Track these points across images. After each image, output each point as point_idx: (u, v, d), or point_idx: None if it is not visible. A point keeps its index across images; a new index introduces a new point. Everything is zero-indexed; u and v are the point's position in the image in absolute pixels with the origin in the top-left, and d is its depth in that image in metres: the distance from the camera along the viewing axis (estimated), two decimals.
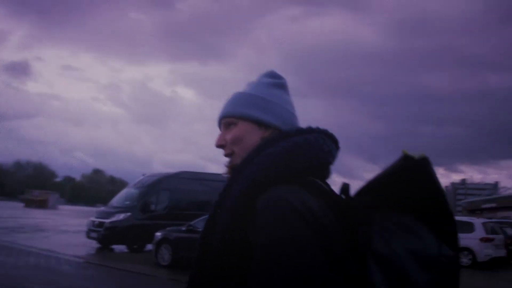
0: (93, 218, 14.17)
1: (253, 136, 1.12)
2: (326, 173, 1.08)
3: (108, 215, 13.85)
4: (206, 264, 1.04)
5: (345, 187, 1.04)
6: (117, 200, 15.21)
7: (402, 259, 0.89)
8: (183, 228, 10.15)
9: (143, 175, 16.47)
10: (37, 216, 32.80)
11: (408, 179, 0.94)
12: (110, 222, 13.39)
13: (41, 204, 50.52)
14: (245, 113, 1.13)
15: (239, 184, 1.02)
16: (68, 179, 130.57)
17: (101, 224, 13.51)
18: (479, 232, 13.62)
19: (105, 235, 13.30)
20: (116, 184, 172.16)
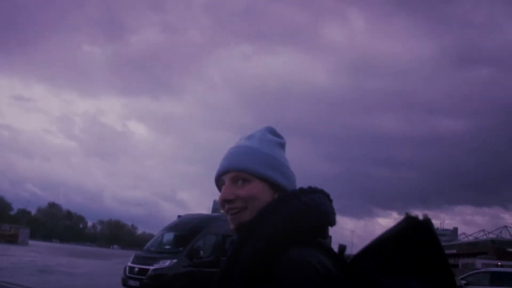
0: (130, 264, 12.63)
1: (266, 196, 1.11)
2: (327, 234, 1.09)
3: (149, 261, 12.34)
4: None
5: (342, 249, 1.06)
6: (154, 244, 13.76)
7: None
8: None
9: (179, 216, 15.25)
10: (16, 253, 30.55)
11: (412, 240, 0.96)
12: (155, 270, 11.93)
13: (11, 239, 47.47)
14: (265, 173, 1.12)
15: (255, 243, 1.00)
16: (23, 212, 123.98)
17: (142, 271, 12.01)
18: None
19: (149, 285, 11.82)
20: (73, 219, 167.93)
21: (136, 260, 12.85)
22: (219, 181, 1.17)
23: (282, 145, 1.21)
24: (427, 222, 0.97)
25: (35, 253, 34.57)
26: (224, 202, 1.12)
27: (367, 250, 1.02)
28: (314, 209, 1.04)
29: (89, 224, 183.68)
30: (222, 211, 1.15)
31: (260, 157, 1.14)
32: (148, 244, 14.13)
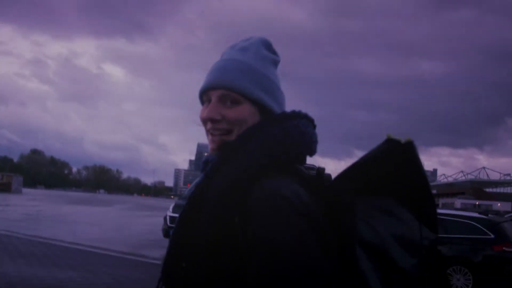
0: (171, 214, 12.10)
1: (254, 120, 1.02)
2: (305, 160, 1.04)
3: None
4: (189, 265, 0.93)
5: (320, 172, 1.02)
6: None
7: (388, 245, 0.91)
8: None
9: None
10: (17, 202, 30.15)
11: (391, 162, 0.94)
12: None
13: (5, 188, 46.79)
14: (256, 95, 1.01)
15: (228, 171, 0.94)
16: (4, 160, 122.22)
17: None
18: None
19: None
20: (57, 166, 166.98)
21: (178, 209, 12.11)
22: (204, 96, 1.05)
23: (276, 63, 1.11)
24: (409, 144, 0.94)
25: (35, 201, 34.22)
26: (207, 120, 1.02)
27: (347, 172, 1.00)
28: (296, 138, 0.99)
29: (74, 170, 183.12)
30: (202, 126, 1.05)
31: (255, 76, 1.03)
32: (186, 192, 13.75)
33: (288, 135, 0.98)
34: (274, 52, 1.11)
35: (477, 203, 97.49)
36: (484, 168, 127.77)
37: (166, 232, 11.91)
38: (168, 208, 12.54)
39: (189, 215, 0.97)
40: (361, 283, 0.88)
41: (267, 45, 1.09)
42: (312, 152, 1.03)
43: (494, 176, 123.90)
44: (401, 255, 0.91)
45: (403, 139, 0.95)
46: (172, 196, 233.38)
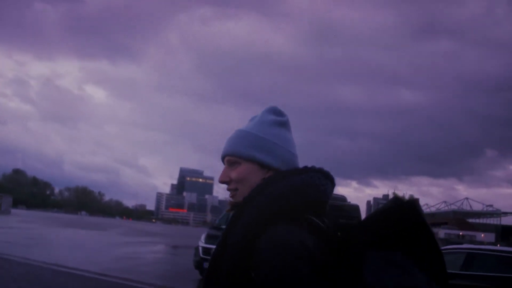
0: (203, 244, 11.35)
1: (256, 177, 1.18)
2: (322, 210, 1.13)
3: None
4: None
5: (341, 226, 1.14)
6: (224, 220, 12.98)
7: None
8: None
9: None
10: (12, 224, 29.38)
11: (398, 218, 1.03)
12: None
13: None
14: (250, 155, 1.19)
15: (240, 224, 1.09)
16: None
17: None
18: None
19: None
20: (39, 186, 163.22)
21: (210, 240, 11.50)
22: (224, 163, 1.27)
23: (282, 123, 1.26)
24: (412, 202, 1.04)
25: (29, 223, 33.47)
26: (222, 183, 1.23)
27: (358, 226, 1.11)
28: (300, 189, 1.11)
29: (56, 190, 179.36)
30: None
31: (247, 139, 1.21)
32: (217, 221, 13.48)
33: (292, 187, 1.11)
34: (279, 114, 1.26)
35: (460, 233, 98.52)
36: (467, 198, 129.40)
37: (198, 264, 11.20)
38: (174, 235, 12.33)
39: (214, 264, 1.15)
40: None
41: (273, 110, 1.27)
42: (323, 202, 1.14)
43: (477, 207, 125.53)
44: None
45: (407, 197, 1.05)
46: (153, 220, 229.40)
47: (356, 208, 1.32)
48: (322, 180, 1.15)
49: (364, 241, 1.05)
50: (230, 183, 1.21)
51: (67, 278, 9.53)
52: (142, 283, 9.83)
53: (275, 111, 1.27)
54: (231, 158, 1.22)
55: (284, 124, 1.26)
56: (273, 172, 1.19)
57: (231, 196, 1.22)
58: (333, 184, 1.19)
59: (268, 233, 1.02)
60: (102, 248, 19.27)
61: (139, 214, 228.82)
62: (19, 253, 12.68)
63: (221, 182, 1.23)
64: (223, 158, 1.25)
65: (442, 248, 8.78)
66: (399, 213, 1.04)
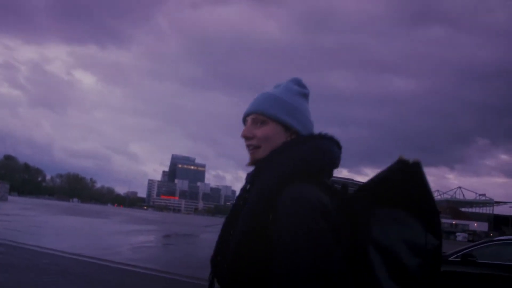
0: None
1: (279, 138, 1.27)
2: (331, 175, 1.25)
3: None
4: (230, 255, 1.17)
5: (344, 185, 1.22)
6: None
7: (397, 246, 1.07)
8: (454, 259, 8.45)
9: None
10: (12, 212, 28.84)
11: (402, 179, 1.12)
12: None
13: None
14: (278, 117, 1.27)
15: (260, 182, 1.18)
16: None
17: None
18: None
19: None
20: (31, 173, 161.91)
21: None
22: (244, 121, 1.34)
23: (305, 95, 1.36)
24: (417, 164, 1.12)
25: (29, 211, 32.94)
26: (243, 138, 1.30)
27: (364, 187, 1.18)
28: (320, 154, 1.21)
29: (48, 177, 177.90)
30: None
31: (278, 102, 1.29)
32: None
33: (312, 151, 1.21)
34: (303, 87, 1.37)
35: (454, 222, 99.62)
36: (460, 187, 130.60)
37: None
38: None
39: (231, 219, 1.24)
40: (369, 274, 1.06)
41: (297, 82, 1.37)
42: (335, 167, 1.26)
43: (470, 196, 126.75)
44: (407, 255, 1.07)
45: (411, 160, 1.13)
46: (145, 207, 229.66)
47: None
48: (335, 148, 1.26)
49: (371, 199, 1.14)
50: (252, 139, 1.28)
51: (96, 268, 9.08)
52: (167, 273, 9.42)
53: (299, 83, 1.37)
54: (259, 116, 1.28)
55: (306, 96, 1.37)
56: (295, 136, 1.27)
57: (251, 153, 1.28)
58: (340, 152, 1.30)
59: (288, 189, 1.12)
60: (115, 236, 18.93)
61: (130, 201, 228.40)
62: (35, 242, 12.26)
63: (244, 137, 1.29)
64: (246, 116, 1.32)
65: (496, 239, 8.61)
66: (404, 174, 1.12)
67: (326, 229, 1.06)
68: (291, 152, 1.20)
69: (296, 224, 1.06)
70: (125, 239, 18.10)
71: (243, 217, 1.17)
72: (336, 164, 1.26)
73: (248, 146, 1.29)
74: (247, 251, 1.13)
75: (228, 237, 1.21)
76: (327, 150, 1.23)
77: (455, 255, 8.22)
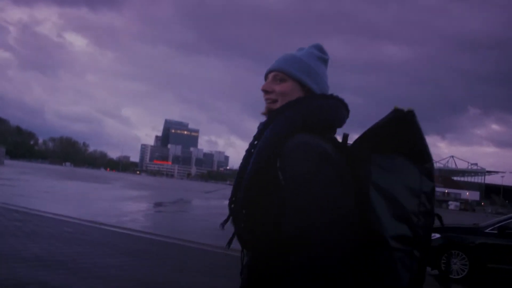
0: None
1: (296, 95, 1.38)
2: (335, 132, 1.36)
3: None
4: (240, 199, 1.31)
5: (345, 136, 1.34)
6: None
7: (395, 188, 1.19)
8: (490, 231, 8.17)
9: None
10: (13, 176, 28.40)
11: (398, 127, 1.22)
12: None
13: None
14: (298, 76, 1.39)
15: (269, 131, 1.30)
16: None
17: None
18: None
19: None
20: (23, 136, 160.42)
21: None
22: (266, 78, 1.46)
23: (324, 60, 1.47)
24: (411, 113, 1.21)
25: (30, 175, 32.55)
26: (263, 91, 1.42)
27: (363, 136, 1.29)
28: (327, 112, 1.32)
29: (40, 141, 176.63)
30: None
31: (298, 63, 1.41)
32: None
33: (320, 108, 1.32)
34: (323, 52, 1.48)
35: (446, 191, 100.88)
36: (452, 156, 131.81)
37: None
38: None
39: (245, 164, 1.33)
40: (372, 214, 1.18)
41: (318, 47, 1.48)
42: (339, 125, 1.37)
43: (462, 165, 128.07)
44: (404, 196, 1.18)
45: (406, 108, 1.21)
46: (138, 172, 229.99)
47: None
48: (343, 110, 1.38)
49: (370, 147, 1.25)
50: (271, 93, 1.40)
51: (123, 238, 8.77)
52: (192, 242, 9.10)
53: (321, 49, 1.48)
54: (279, 74, 1.41)
55: (325, 62, 1.48)
56: (308, 93, 1.39)
57: (268, 105, 1.41)
58: (348, 115, 1.40)
59: (295, 138, 1.24)
60: (124, 202, 18.79)
61: (123, 165, 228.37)
62: (49, 208, 11.96)
63: (264, 90, 1.42)
64: (268, 73, 1.44)
65: None
66: (399, 121, 1.21)
67: (331, 175, 1.18)
68: (301, 106, 1.32)
69: (301, 170, 1.18)
70: (135, 205, 18.01)
71: (253, 159, 1.30)
72: (341, 124, 1.37)
73: (266, 99, 1.42)
74: (256, 190, 1.26)
75: (241, 181, 1.32)
76: (335, 109, 1.35)
77: (491, 228, 8.14)
